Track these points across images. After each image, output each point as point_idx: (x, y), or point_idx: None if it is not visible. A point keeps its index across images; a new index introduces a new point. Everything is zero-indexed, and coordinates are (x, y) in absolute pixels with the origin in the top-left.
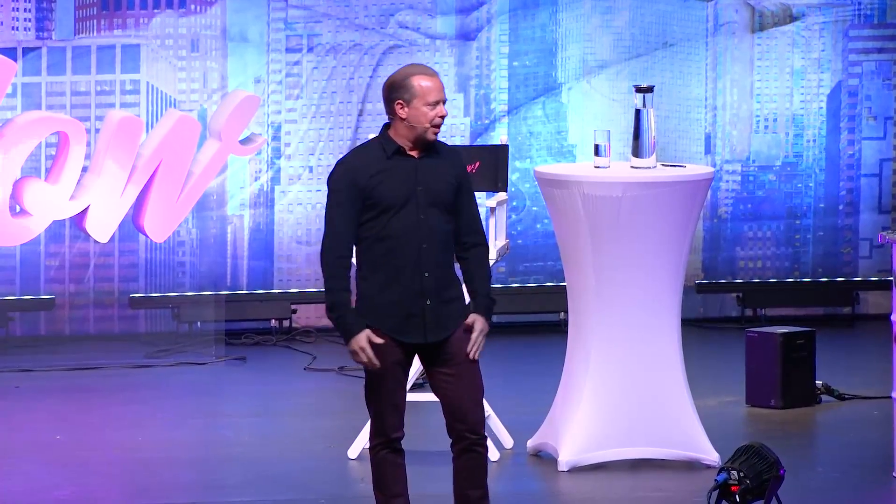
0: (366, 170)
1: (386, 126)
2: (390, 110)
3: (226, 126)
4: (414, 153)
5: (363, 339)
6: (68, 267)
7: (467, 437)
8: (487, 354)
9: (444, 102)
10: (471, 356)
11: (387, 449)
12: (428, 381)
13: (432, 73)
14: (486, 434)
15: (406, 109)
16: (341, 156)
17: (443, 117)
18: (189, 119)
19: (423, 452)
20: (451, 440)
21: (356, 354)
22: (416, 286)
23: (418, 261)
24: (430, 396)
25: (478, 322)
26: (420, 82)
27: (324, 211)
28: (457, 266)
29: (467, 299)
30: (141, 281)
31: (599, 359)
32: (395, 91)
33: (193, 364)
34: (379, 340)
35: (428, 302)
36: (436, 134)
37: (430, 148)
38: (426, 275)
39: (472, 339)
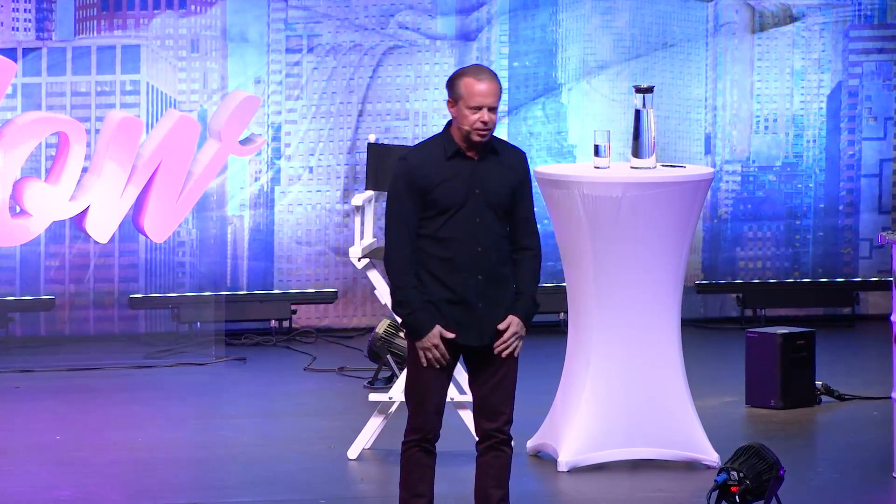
0: (425, 171)
1: (449, 123)
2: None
3: (226, 126)
4: (472, 154)
5: (436, 335)
6: (68, 267)
7: (494, 435)
8: None
9: (492, 109)
10: (497, 351)
11: (418, 448)
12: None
13: (483, 77)
14: (511, 436)
15: (454, 109)
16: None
17: (485, 123)
18: (189, 119)
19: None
20: (477, 438)
21: (428, 350)
22: (469, 288)
23: (473, 263)
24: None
25: (513, 324)
26: (466, 84)
27: (323, 211)
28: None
29: None
30: (141, 281)
31: (599, 359)
32: (448, 88)
33: (193, 364)
34: (450, 335)
35: (480, 304)
36: (482, 137)
37: (489, 149)
38: (479, 277)
39: (503, 339)
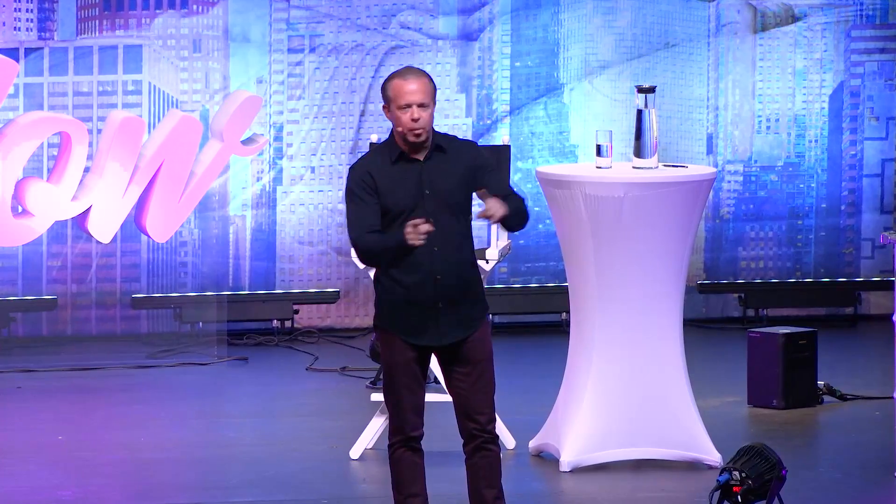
0: (374, 176)
1: (393, 130)
2: None
3: (228, 126)
4: (418, 156)
5: (408, 227)
6: (70, 267)
7: (478, 435)
8: None
9: (421, 105)
10: (482, 214)
11: (404, 447)
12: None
13: (411, 76)
14: (497, 434)
15: (389, 114)
16: (352, 162)
17: (415, 120)
18: (191, 119)
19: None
20: (462, 440)
21: (415, 235)
22: (428, 289)
23: (430, 264)
24: (442, 397)
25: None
26: (394, 86)
27: (325, 211)
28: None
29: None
30: (143, 281)
31: (601, 359)
32: (382, 94)
33: (195, 364)
34: (422, 225)
35: (440, 305)
36: (417, 136)
37: (435, 148)
38: (438, 278)
39: (489, 204)
